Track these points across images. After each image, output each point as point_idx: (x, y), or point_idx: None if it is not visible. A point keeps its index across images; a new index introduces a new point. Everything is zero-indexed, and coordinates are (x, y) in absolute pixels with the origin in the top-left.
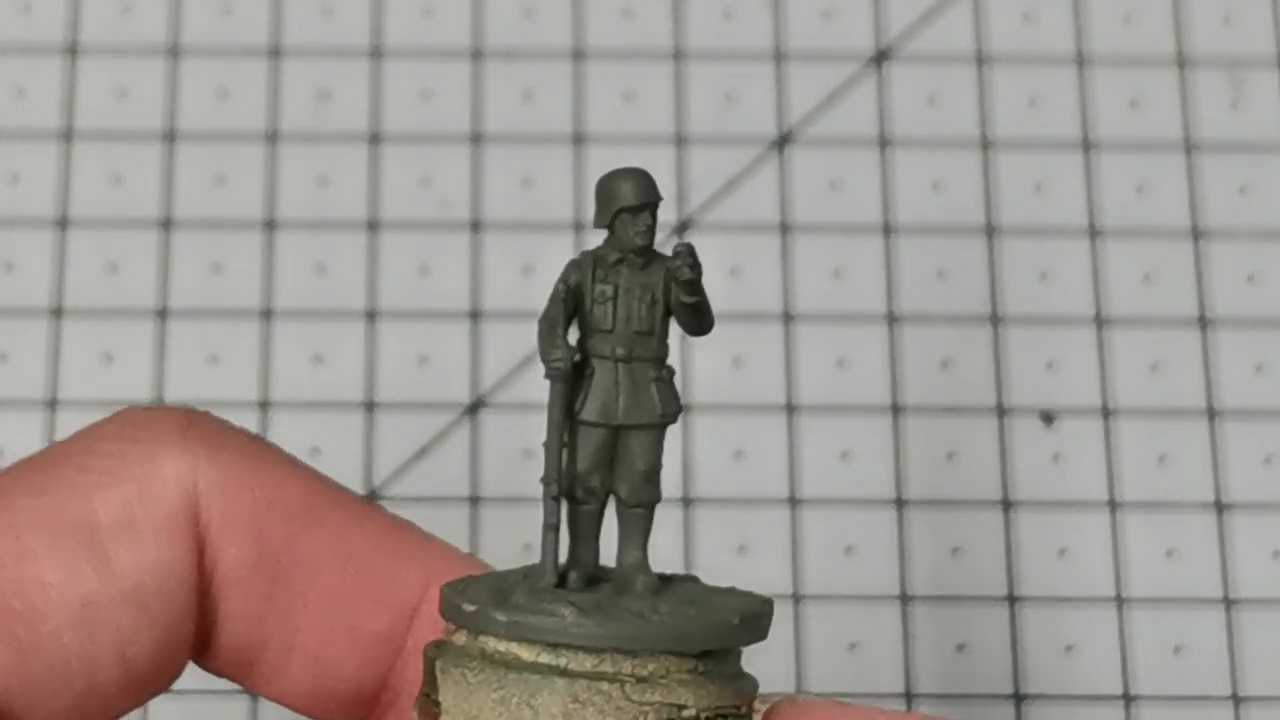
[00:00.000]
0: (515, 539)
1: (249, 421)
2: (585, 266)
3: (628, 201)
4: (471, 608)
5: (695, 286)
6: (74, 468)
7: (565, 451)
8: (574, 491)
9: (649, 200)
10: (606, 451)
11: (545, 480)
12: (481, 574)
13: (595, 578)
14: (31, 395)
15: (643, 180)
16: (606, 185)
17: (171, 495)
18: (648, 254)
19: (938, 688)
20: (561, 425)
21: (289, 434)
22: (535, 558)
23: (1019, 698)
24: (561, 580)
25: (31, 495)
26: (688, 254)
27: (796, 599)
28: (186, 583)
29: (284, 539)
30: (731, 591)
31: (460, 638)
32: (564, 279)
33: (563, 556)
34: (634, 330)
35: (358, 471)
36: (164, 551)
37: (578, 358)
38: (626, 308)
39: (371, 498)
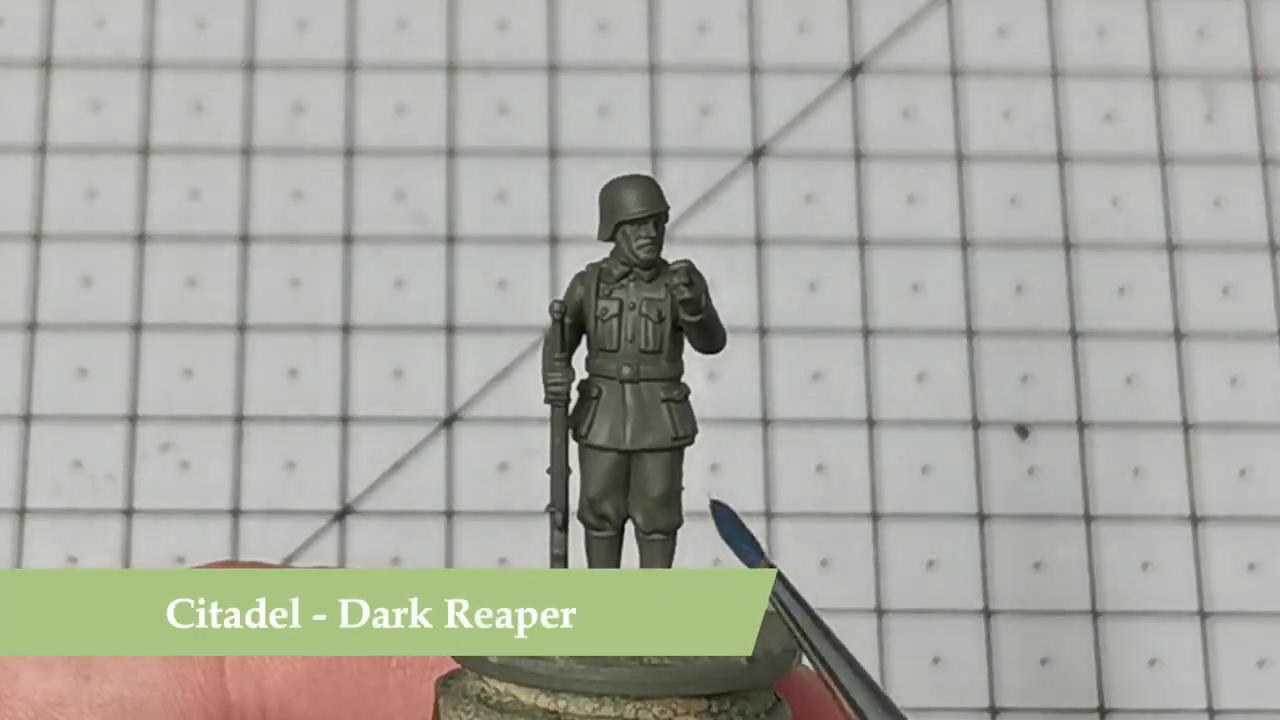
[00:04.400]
0: (491, 553)
1: (224, 435)
2: (589, 281)
3: (630, 213)
4: None
5: (696, 305)
6: None
7: (574, 477)
8: (586, 518)
9: (653, 211)
10: (618, 476)
11: (551, 509)
12: None
13: None
14: (7, 409)
15: (647, 189)
16: (609, 195)
17: None
18: (654, 267)
19: (912, 700)
20: (564, 451)
21: (265, 448)
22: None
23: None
24: None
25: None
26: (685, 272)
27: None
28: (174, 707)
29: None
30: (766, 619)
31: (464, 676)
32: (565, 296)
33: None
34: (641, 349)
35: (333, 486)
36: (156, 671)
37: (579, 380)
38: (633, 325)
39: (346, 512)
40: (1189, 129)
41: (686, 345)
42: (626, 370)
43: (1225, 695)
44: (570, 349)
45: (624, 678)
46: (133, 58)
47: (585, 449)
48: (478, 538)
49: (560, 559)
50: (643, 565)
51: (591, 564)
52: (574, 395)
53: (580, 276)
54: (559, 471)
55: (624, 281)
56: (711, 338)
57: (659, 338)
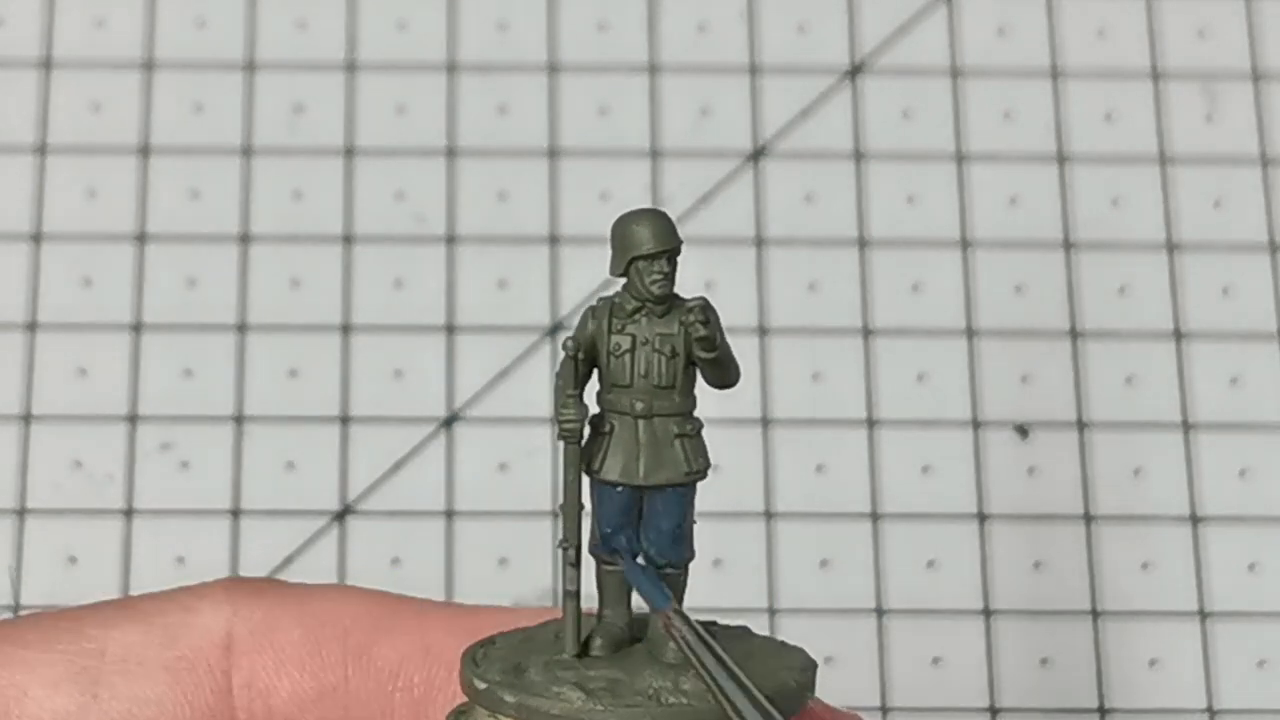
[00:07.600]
0: (490, 554)
1: (224, 435)
2: (601, 316)
3: (644, 249)
4: (483, 685)
5: (711, 342)
6: (116, 607)
7: (586, 512)
8: (598, 552)
9: (667, 247)
10: (631, 512)
11: (564, 545)
12: (509, 633)
13: (625, 641)
14: (7, 409)
15: (660, 224)
16: (621, 230)
17: (194, 639)
18: (667, 302)
19: (912, 700)
20: (577, 487)
21: (265, 448)
22: (510, 573)
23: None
24: (586, 647)
25: (63, 620)
26: (701, 310)
27: (773, 611)
28: None
29: (354, 653)
30: (777, 650)
31: (477, 713)
32: (577, 331)
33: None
34: (654, 384)
35: (333, 486)
36: (163, 689)
37: (591, 414)
38: (645, 360)
39: (346, 512)
40: (1189, 129)
41: (699, 379)
42: (639, 405)
43: (1225, 695)
44: (582, 384)
45: (641, 718)
46: (133, 58)
47: (597, 484)
48: (478, 538)
49: (573, 595)
50: None
51: (603, 599)
52: (585, 430)
53: (591, 311)
54: (572, 507)
55: (636, 316)
56: (725, 373)
57: (672, 373)
